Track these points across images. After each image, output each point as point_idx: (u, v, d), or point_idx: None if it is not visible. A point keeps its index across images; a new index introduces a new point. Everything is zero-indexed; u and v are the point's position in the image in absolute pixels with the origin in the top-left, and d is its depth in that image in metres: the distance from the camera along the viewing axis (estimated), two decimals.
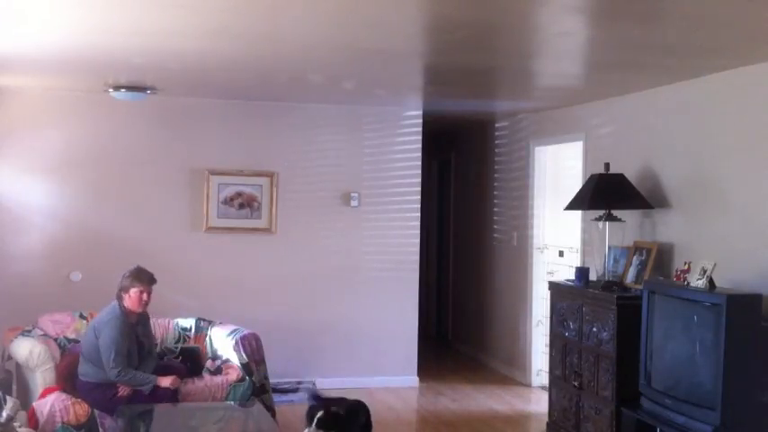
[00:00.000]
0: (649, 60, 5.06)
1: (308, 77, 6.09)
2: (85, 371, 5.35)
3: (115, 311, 5.36)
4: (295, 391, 7.25)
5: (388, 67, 5.64)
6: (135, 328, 5.44)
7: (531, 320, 7.86)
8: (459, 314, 9.79)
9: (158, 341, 6.06)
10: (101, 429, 5.15)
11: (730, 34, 4.34)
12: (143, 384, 5.30)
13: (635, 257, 5.89)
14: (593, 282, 6.07)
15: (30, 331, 5.64)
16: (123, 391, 5.25)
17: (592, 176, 6.19)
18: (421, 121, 7.85)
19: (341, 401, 5.00)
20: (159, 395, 5.29)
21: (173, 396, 5.36)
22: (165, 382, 5.35)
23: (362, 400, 5.25)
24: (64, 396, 5.20)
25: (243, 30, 4.44)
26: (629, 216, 6.02)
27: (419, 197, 7.90)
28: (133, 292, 5.36)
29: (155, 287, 5.53)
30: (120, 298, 5.40)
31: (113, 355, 5.20)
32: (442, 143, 9.94)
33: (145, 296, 5.40)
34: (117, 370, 5.20)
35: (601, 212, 5.98)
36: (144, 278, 5.39)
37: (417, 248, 7.89)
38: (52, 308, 6.06)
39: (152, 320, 6.06)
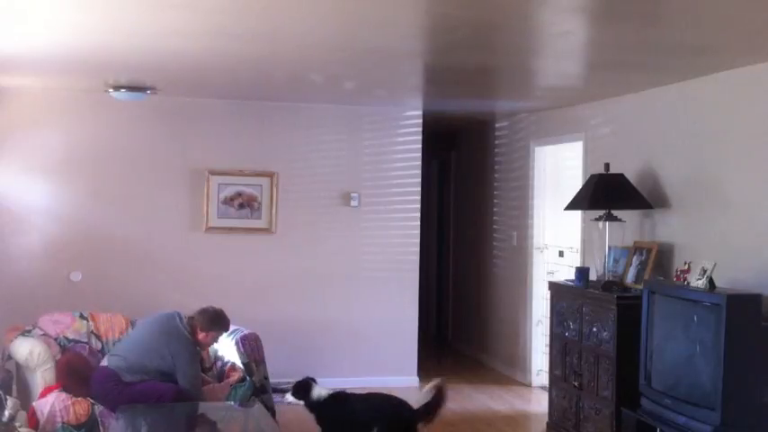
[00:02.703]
0: (649, 60, 5.07)
1: (308, 77, 6.09)
2: (118, 364, 5.33)
3: (187, 336, 5.42)
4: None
5: (388, 67, 5.65)
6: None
7: (531, 320, 7.86)
8: (458, 314, 9.79)
9: None
10: (101, 428, 5.15)
11: (730, 34, 4.34)
12: (198, 397, 5.44)
13: (635, 257, 5.89)
14: (593, 282, 6.07)
15: (30, 331, 5.64)
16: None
17: (592, 176, 6.19)
18: (421, 120, 7.85)
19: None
20: (168, 397, 5.32)
21: (176, 398, 5.37)
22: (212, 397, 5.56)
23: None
24: (64, 396, 5.19)
25: (242, 30, 4.44)
26: (629, 216, 6.02)
27: (419, 197, 7.91)
28: (211, 334, 5.50)
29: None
30: (193, 328, 5.45)
31: (194, 381, 5.32)
32: (441, 143, 9.93)
33: (217, 340, 5.62)
34: (194, 388, 5.32)
35: (601, 212, 5.98)
36: (227, 325, 5.58)
37: (417, 248, 7.89)
38: (52, 308, 6.04)
39: None
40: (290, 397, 5.31)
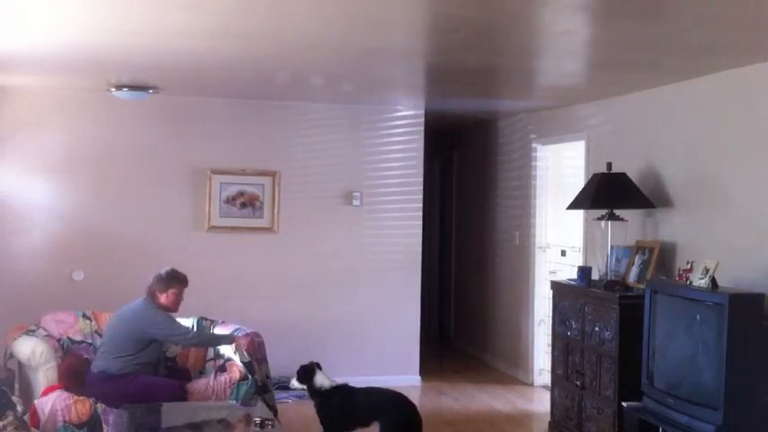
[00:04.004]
0: (651, 59, 5.06)
1: (311, 77, 6.09)
2: (106, 364, 5.38)
3: (153, 308, 5.54)
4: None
5: (391, 67, 5.65)
6: None
7: (533, 320, 7.86)
8: (461, 313, 9.79)
9: None
10: (105, 426, 5.15)
11: (731, 34, 4.34)
12: (220, 341, 5.77)
13: (637, 257, 5.88)
14: (595, 281, 6.07)
15: (33, 331, 5.65)
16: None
17: (594, 176, 6.19)
18: (423, 120, 7.84)
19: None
20: (169, 393, 5.34)
21: (181, 395, 5.40)
22: (242, 341, 5.68)
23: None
24: (66, 395, 5.20)
25: (245, 29, 4.45)
26: (631, 215, 6.01)
27: (421, 196, 7.90)
28: (171, 292, 5.58)
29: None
30: (154, 297, 5.56)
31: (178, 328, 5.56)
32: (444, 142, 9.94)
33: (182, 297, 5.66)
34: (191, 334, 5.62)
35: (603, 212, 5.98)
36: (182, 279, 5.65)
37: (419, 247, 7.89)
38: (55, 307, 6.06)
39: None
40: (295, 382, 5.36)
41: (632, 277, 5.85)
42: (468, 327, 9.52)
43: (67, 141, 7.08)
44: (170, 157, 7.31)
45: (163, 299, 5.57)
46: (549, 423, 6.41)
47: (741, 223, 5.13)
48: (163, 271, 5.62)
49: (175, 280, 5.60)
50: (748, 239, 5.04)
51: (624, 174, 5.97)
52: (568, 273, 7.07)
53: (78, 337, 5.81)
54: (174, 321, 5.62)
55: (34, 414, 5.10)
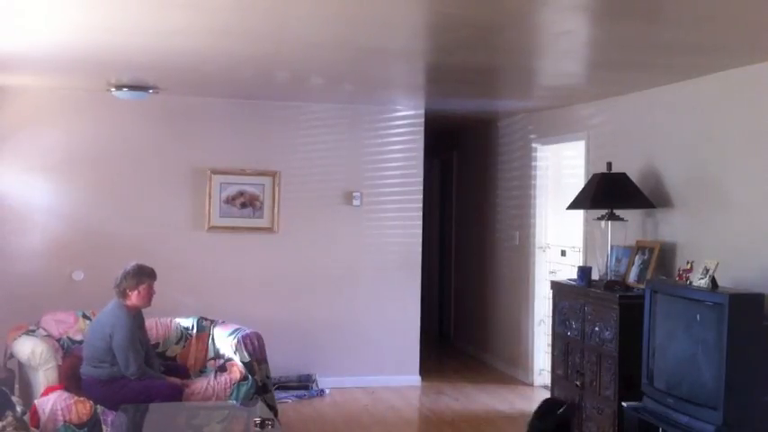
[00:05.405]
0: (651, 59, 5.06)
1: (311, 77, 6.09)
2: (93, 371, 5.38)
3: (122, 310, 5.44)
4: (302, 387, 7.28)
5: (391, 66, 5.65)
6: (136, 324, 5.56)
7: (533, 320, 7.86)
8: (461, 313, 9.79)
9: (160, 341, 6.09)
10: (104, 427, 5.15)
11: (732, 34, 4.34)
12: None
13: (637, 257, 5.88)
14: (595, 281, 6.06)
15: (34, 331, 5.65)
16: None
17: (594, 176, 6.19)
18: (423, 120, 7.85)
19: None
20: (165, 394, 5.33)
21: (177, 395, 5.40)
22: (172, 381, 5.53)
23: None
24: (66, 395, 5.19)
25: (245, 29, 4.45)
26: (631, 215, 6.01)
27: (421, 196, 7.90)
28: (142, 288, 5.48)
29: (156, 286, 5.60)
30: (124, 296, 5.47)
31: (132, 355, 5.32)
32: (444, 142, 9.94)
33: (153, 291, 5.55)
34: (135, 368, 5.32)
35: (603, 212, 5.98)
36: (151, 273, 5.55)
37: (419, 247, 7.89)
38: (55, 307, 6.07)
39: (154, 320, 6.10)
40: None
41: (632, 277, 5.85)
42: (468, 327, 9.52)
43: (67, 141, 7.08)
44: (170, 157, 7.31)
45: (134, 296, 5.46)
46: None
47: (741, 223, 5.13)
48: (129, 267, 5.51)
49: (145, 275, 5.50)
50: (748, 239, 5.04)
51: (624, 174, 5.97)
52: (568, 273, 7.07)
53: (78, 337, 5.81)
54: (132, 348, 5.32)
55: (34, 414, 5.10)
